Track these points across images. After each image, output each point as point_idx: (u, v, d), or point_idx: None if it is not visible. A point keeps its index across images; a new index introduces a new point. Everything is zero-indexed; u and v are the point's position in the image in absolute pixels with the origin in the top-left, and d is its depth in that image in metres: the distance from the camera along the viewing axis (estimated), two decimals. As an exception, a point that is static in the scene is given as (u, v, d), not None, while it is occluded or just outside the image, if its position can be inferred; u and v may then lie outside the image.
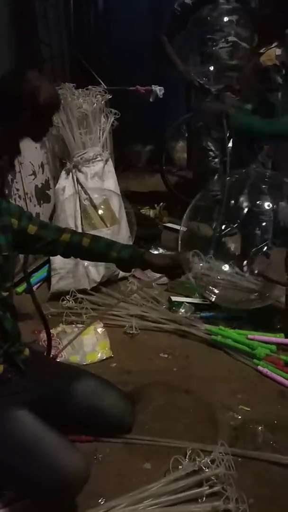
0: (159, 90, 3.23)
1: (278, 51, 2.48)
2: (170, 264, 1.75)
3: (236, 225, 3.41)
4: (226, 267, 2.87)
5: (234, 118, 2.38)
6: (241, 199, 3.18)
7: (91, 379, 1.79)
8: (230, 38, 2.84)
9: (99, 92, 2.93)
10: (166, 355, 2.32)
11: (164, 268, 1.77)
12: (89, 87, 2.94)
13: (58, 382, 1.69)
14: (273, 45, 2.49)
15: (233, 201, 3.11)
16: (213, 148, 3.21)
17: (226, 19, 2.81)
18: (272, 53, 2.48)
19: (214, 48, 2.84)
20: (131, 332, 2.45)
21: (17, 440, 1.44)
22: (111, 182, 2.94)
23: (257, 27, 2.69)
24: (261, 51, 2.53)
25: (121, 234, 2.95)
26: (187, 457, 1.69)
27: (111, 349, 2.34)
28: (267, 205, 2.91)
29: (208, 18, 2.83)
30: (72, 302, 2.62)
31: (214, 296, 2.64)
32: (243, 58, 2.89)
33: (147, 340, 2.44)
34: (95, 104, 2.87)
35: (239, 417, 1.94)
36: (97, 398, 1.71)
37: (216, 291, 2.64)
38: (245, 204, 2.82)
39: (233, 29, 2.85)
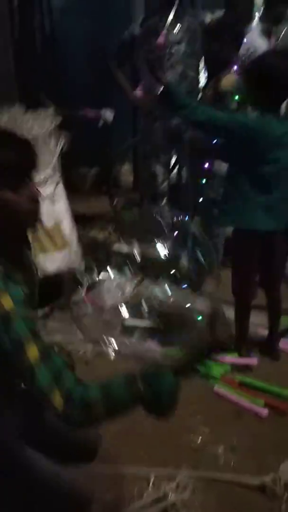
0: (109, 113, 3.26)
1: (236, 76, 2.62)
2: None
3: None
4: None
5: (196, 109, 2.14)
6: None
7: None
8: (178, 67, 2.93)
9: (49, 115, 2.92)
10: (123, 380, 2.30)
11: None
12: (39, 109, 2.92)
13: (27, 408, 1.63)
14: (233, 69, 2.63)
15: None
16: (161, 171, 3.27)
17: (174, 49, 2.90)
18: (231, 78, 2.60)
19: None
20: (84, 358, 2.42)
21: (38, 476, 1.37)
22: (62, 205, 2.92)
23: (209, 56, 2.81)
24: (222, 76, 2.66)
25: (72, 257, 2.92)
26: (151, 483, 1.68)
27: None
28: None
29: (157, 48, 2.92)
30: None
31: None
32: (190, 86, 3.00)
33: (102, 366, 2.40)
34: (45, 127, 2.85)
35: (200, 439, 1.95)
36: None
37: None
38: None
39: (180, 58, 2.94)
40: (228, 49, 2.65)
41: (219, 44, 2.65)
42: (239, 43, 2.72)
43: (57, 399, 1.10)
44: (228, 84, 2.61)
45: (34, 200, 1.23)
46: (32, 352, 1.09)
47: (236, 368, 2.36)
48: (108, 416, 1.18)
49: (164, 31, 2.23)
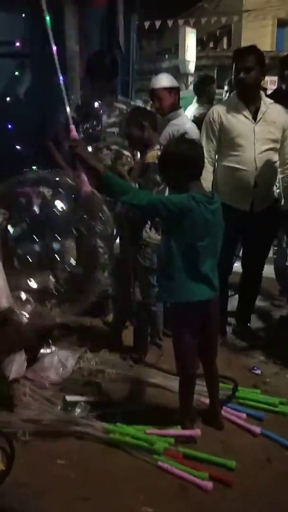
0: (47, 191, 3.34)
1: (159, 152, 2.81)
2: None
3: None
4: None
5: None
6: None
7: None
8: (113, 147, 3.11)
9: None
10: (63, 461, 2.18)
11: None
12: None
13: None
14: (155, 147, 2.85)
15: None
16: (102, 245, 3.34)
17: (108, 130, 3.09)
18: (154, 153, 2.82)
19: (99, 155, 3.09)
20: (23, 439, 2.30)
21: None
22: (1, 283, 2.87)
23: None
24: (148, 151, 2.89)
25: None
26: None
27: (2, 461, 2.15)
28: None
29: (92, 130, 3.12)
30: None
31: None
32: (125, 163, 3.17)
33: (41, 446, 2.28)
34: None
35: (143, 520, 1.86)
36: None
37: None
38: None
39: (114, 139, 3.14)
40: (148, 133, 2.89)
41: (138, 129, 2.89)
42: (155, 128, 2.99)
43: None
44: (150, 158, 2.84)
45: None
46: None
47: (180, 440, 2.31)
48: None
49: (71, 126, 2.40)
